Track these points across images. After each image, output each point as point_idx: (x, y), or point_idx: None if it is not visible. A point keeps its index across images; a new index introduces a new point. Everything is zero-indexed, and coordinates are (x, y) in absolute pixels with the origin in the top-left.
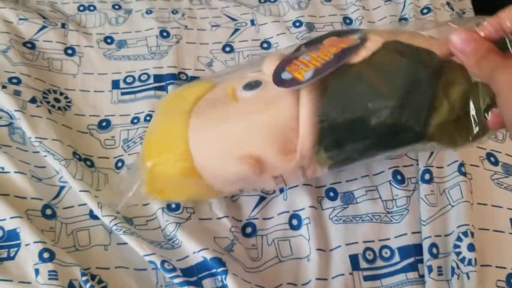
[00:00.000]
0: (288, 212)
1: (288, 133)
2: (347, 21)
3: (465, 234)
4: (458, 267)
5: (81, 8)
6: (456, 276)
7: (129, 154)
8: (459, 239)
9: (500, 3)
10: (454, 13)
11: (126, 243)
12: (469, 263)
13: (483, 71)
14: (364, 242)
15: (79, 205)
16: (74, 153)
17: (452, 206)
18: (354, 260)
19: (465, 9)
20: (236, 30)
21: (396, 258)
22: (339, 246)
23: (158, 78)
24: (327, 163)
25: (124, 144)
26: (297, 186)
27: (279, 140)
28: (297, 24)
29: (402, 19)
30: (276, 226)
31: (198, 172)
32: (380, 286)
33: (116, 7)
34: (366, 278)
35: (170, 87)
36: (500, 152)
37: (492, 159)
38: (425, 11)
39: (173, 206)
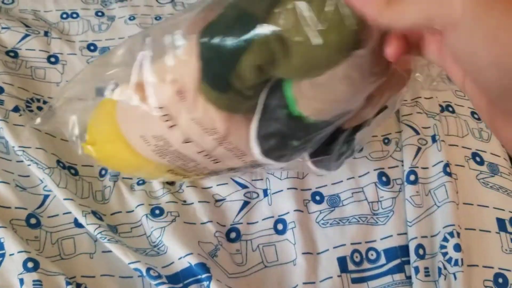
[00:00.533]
0: (273, 217)
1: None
2: None
3: (451, 234)
4: (445, 268)
5: (64, 15)
6: (443, 277)
7: None
8: (445, 239)
9: None
10: None
11: (111, 251)
12: (456, 264)
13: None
14: (352, 244)
15: (64, 214)
16: (58, 162)
17: (438, 206)
18: (342, 262)
19: None
20: None
21: (382, 260)
22: (327, 249)
23: None
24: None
25: None
26: (282, 190)
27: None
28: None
29: None
30: (261, 232)
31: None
32: None
33: (99, 14)
34: (354, 281)
35: None
36: (485, 152)
37: (478, 158)
38: None
39: (157, 212)
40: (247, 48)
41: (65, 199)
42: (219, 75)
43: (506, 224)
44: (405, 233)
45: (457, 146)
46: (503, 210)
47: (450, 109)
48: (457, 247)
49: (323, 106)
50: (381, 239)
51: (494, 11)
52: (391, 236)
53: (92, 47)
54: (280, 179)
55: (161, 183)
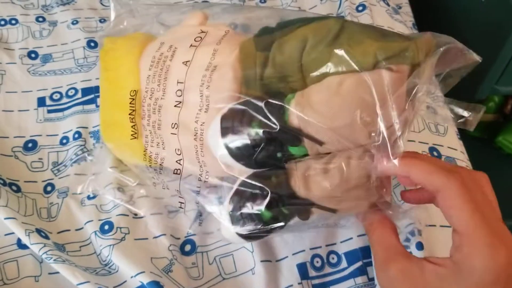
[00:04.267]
0: None
1: None
2: None
3: (412, 233)
4: None
5: (2, 22)
6: None
7: (59, 178)
8: (407, 239)
9: None
10: (390, 8)
11: (58, 272)
12: None
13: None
14: (311, 249)
15: (5, 235)
16: None
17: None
18: (302, 269)
19: (401, 4)
20: None
21: (344, 263)
22: (286, 256)
23: (86, 91)
24: None
25: (54, 168)
26: None
27: None
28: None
29: (339, 17)
30: (217, 243)
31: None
32: None
33: (40, 19)
34: (316, 287)
35: (99, 100)
36: (442, 146)
37: (435, 153)
38: (360, 8)
39: (106, 227)
40: None
41: (6, 218)
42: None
43: None
44: (365, 234)
45: (414, 141)
46: None
47: None
48: (419, 246)
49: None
50: (341, 242)
51: None
52: (351, 238)
53: (33, 55)
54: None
55: (113, 193)
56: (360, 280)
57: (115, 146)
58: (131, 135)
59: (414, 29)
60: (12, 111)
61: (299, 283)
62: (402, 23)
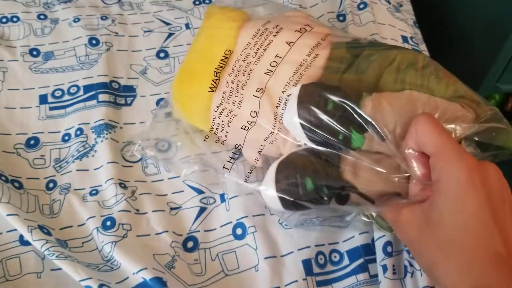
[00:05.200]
0: (231, 222)
1: None
2: None
3: None
4: (411, 265)
5: (4, 20)
6: (409, 275)
7: (61, 175)
8: None
9: None
10: (391, 6)
11: (60, 269)
12: None
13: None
14: (316, 246)
15: (8, 231)
16: (0, 175)
17: None
18: (307, 265)
19: (402, 2)
20: (171, 34)
21: (346, 261)
22: (291, 252)
23: (88, 88)
24: None
25: (56, 164)
26: (239, 195)
27: None
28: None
29: (340, 15)
30: (219, 239)
31: None
32: None
33: (42, 17)
34: (319, 284)
35: (100, 96)
36: None
37: None
38: (361, 6)
39: (108, 223)
40: None
41: (8, 214)
42: None
43: None
44: (367, 232)
45: None
46: None
47: None
48: None
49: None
50: (343, 241)
51: None
52: (353, 237)
53: (34, 52)
54: (237, 183)
55: (114, 189)
56: (362, 277)
57: (184, 96)
58: (210, 87)
59: (415, 27)
60: (14, 108)
61: (303, 279)
62: (403, 21)
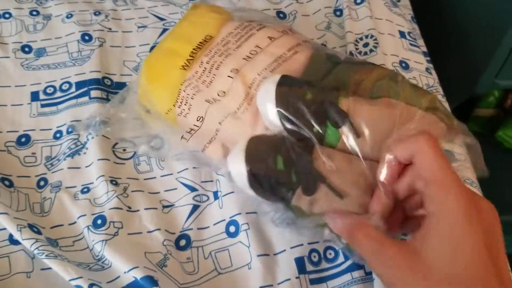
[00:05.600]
0: (224, 220)
1: None
2: (281, 15)
3: None
4: None
5: None
6: None
7: (52, 172)
8: None
9: None
10: (389, 1)
11: (50, 268)
12: None
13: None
14: (309, 244)
15: None
16: None
17: None
18: (300, 263)
19: None
20: (165, 30)
21: (341, 258)
22: (284, 250)
23: (80, 85)
24: None
25: (47, 162)
26: (232, 192)
27: None
28: None
29: (337, 10)
30: (212, 237)
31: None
32: None
33: (34, 13)
34: (313, 282)
35: (92, 92)
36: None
37: None
38: (358, 0)
39: (99, 222)
40: None
41: None
42: None
43: None
44: None
45: None
46: None
47: None
48: None
49: None
50: (339, 237)
51: None
52: None
53: (26, 49)
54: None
55: (106, 186)
56: (357, 274)
57: (154, 74)
58: (182, 65)
59: (413, 23)
60: (6, 105)
61: (296, 277)
62: (401, 16)
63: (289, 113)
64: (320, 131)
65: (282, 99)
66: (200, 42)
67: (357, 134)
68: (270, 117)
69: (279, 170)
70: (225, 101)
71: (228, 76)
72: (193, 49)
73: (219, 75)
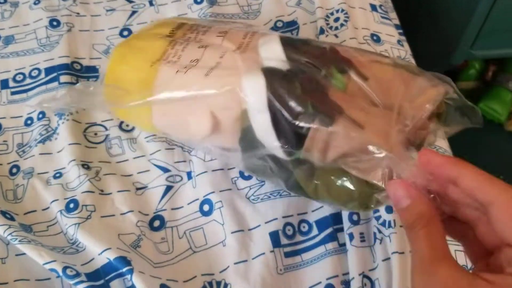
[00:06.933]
0: (198, 199)
1: None
2: None
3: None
4: (380, 232)
5: None
6: (378, 241)
7: (24, 159)
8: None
9: None
10: None
11: (25, 254)
12: (390, 225)
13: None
14: (284, 217)
15: None
16: None
17: None
18: (274, 237)
19: None
20: (134, 12)
21: (315, 231)
22: (259, 225)
23: (49, 70)
24: None
25: (19, 149)
26: (206, 172)
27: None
28: (198, 0)
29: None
30: (186, 217)
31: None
32: (300, 261)
33: (1, 1)
34: (287, 255)
35: (62, 78)
36: None
37: None
38: None
39: (71, 206)
40: None
41: None
42: None
43: None
44: None
45: None
46: None
47: None
48: (389, 209)
49: None
50: (312, 211)
51: None
52: (322, 207)
53: None
54: (204, 160)
55: (77, 170)
56: (331, 246)
57: (130, 51)
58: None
59: None
60: None
61: (271, 251)
62: None
63: (296, 54)
64: (327, 74)
65: (287, 46)
66: (178, 24)
67: (364, 77)
68: (277, 53)
69: (297, 95)
70: (200, 63)
71: (218, 36)
72: (172, 29)
73: (207, 38)
